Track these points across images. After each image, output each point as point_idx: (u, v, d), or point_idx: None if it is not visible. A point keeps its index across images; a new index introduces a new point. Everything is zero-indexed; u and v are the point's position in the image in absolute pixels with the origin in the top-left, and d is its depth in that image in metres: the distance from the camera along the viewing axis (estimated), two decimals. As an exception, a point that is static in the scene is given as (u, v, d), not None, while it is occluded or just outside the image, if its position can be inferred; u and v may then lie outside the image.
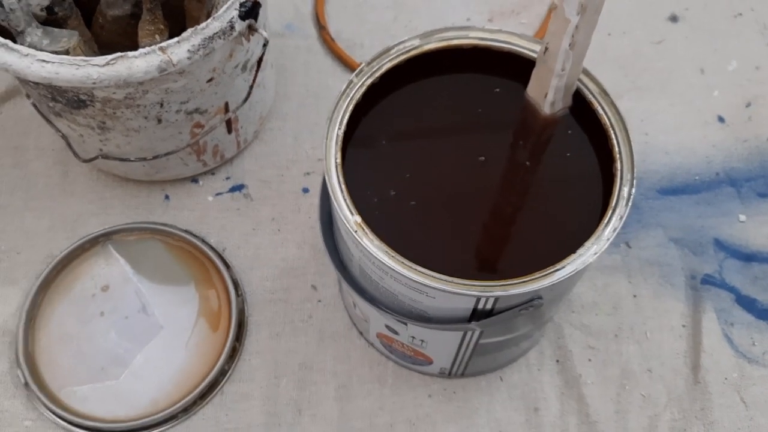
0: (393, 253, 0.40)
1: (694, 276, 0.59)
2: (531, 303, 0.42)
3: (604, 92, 0.45)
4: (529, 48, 0.46)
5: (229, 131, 0.58)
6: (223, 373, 0.55)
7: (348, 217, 0.41)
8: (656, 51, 0.70)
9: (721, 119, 0.66)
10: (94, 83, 0.46)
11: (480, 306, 0.41)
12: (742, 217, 0.61)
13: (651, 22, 0.71)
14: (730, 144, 0.65)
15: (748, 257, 0.60)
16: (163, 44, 0.46)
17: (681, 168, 0.64)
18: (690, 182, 0.63)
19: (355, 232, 0.41)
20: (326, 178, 0.42)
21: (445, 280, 0.39)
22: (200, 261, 0.58)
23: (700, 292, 0.58)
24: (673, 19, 0.71)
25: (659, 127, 0.66)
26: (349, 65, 0.68)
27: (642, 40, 0.70)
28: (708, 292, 0.58)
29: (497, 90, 0.47)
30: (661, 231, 0.61)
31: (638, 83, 0.68)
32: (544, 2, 0.72)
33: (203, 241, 0.59)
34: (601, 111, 0.45)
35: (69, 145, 0.56)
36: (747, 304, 0.58)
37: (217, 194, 0.62)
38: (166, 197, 0.61)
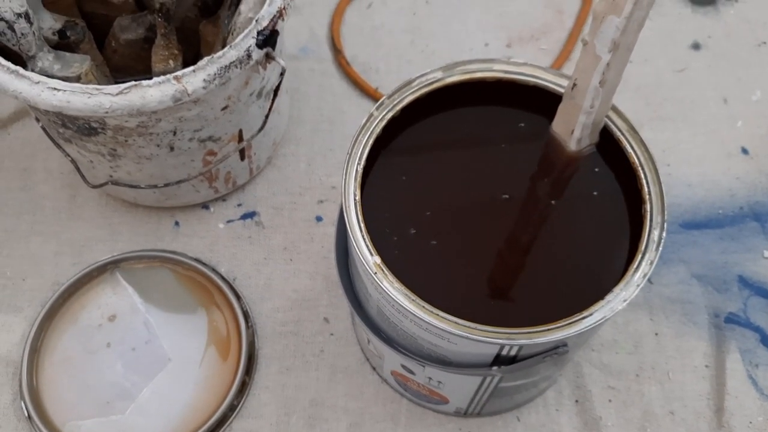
0: (414, 297, 0.39)
1: (717, 314, 0.57)
2: (556, 350, 0.40)
3: (633, 129, 0.44)
4: (555, 82, 0.45)
5: (243, 158, 0.57)
6: (232, 409, 0.53)
7: (367, 257, 0.40)
8: (678, 79, 0.68)
9: (744, 151, 0.64)
10: (106, 112, 0.44)
11: (503, 353, 0.40)
12: (767, 254, 0.60)
13: (673, 50, 0.70)
14: (754, 177, 0.63)
15: (774, 296, 0.58)
16: (178, 73, 0.45)
17: (704, 201, 0.62)
18: (713, 216, 0.61)
19: (375, 273, 0.39)
20: (345, 215, 0.41)
21: (469, 327, 0.38)
22: (210, 291, 0.56)
23: (723, 331, 0.56)
24: (696, 47, 0.70)
25: (682, 158, 0.64)
26: (364, 90, 0.66)
27: (664, 69, 0.69)
28: (732, 331, 0.56)
29: (521, 125, 0.46)
30: (684, 267, 0.59)
31: (660, 112, 0.66)
32: (564, 28, 0.71)
33: (213, 270, 0.57)
34: (629, 149, 0.43)
35: (78, 170, 0.54)
36: (773, 344, 0.56)
37: (229, 221, 0.60)
38: (176, 224, 0.60)
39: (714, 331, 0.57)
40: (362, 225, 0.40)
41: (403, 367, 0.47)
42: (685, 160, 0.64)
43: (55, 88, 0.44)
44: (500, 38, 0.70)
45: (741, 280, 0.59)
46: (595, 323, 0.38)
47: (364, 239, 0.40)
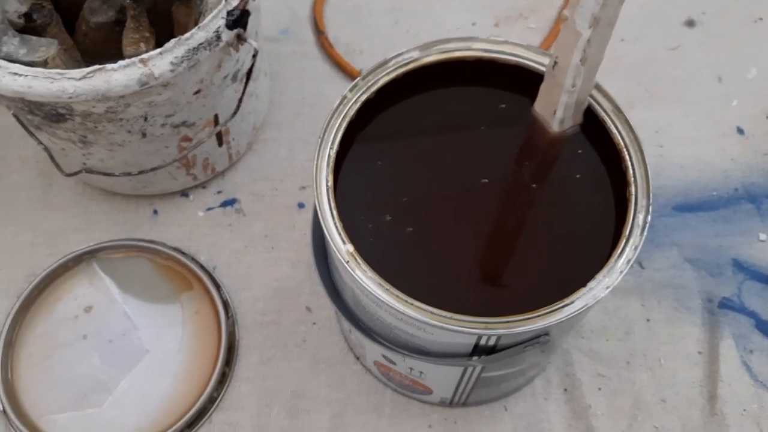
0: (387, 286, 0.37)
1: (711, 299, 0.56)
2: (537, 340, 0.38)
3: (618, 109, 0.42)
4: (537, 61, 0.43)
5: (220, 144, 0.55)
6: (211, 401, 0.52)
7: (340, 246, 0.38)
8: (671, 58, 0.66)
9: (740, 131, 0.63)
10: (69, 98, 0.43)
11: (482, 342, 0.38)
12: (763, 236, 0.58)
13: (666, 27, 0.68)
14: (749, 157, 0.61)
15: (769, 279, 0.56)
16: (144, 56, 0.43)
17: (697, 183, 0.60)
18: (707, 198, 0.59)
19: (347, 262, 0.38)
20: (316, 202, 0.39)
21: (444, 317, 0.36)
22: (189, 281, 0.55)
23: (717, 316, 0.55)
24: (690, 23, 0.68)
25: (674, 139, 0.62)
26: (347, 72, 0.65)
27: (657, 46, 0.67)
28: (726, 316, 0.55)
29: (502, 105, 0.44)
30: (676, 251, 0.57)
31: (652, 91, 0.65)
32: (554, 5, 0.69)
33: (192, 259, 0.56)
34: (614, 130, 0.41)
35: (52, 158, 0.53)
36: (767, 329, 0.54)
37: (208, 209, 0.59)
38: (155, 212, 0.59)
39: (707, 317, 0.55)
40: (335, 212, 0.39)
41: (384, 357, 0.46)
42: (678, 141, 0.62)
43: (16, 73, 0.43)
44: (487, 17, 0.68)
45: (735, 264, 0.57)
46: (576, 311, 0.37)
47: (336, 227, 0.39)
